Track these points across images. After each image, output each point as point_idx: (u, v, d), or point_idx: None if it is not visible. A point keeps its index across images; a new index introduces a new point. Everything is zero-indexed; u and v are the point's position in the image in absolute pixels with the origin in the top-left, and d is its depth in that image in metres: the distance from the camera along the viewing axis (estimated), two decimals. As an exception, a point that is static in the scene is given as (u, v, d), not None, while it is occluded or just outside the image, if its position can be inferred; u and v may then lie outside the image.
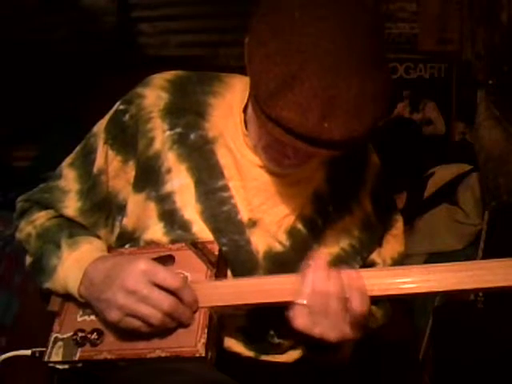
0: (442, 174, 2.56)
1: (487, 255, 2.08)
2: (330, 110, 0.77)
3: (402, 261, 1.07)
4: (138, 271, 0.86)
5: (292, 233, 0.98)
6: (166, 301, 0.85)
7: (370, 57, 0.80)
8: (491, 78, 2.60)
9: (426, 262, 2.25)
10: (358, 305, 0.82)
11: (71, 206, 1.01)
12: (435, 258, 2.29)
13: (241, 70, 1.03)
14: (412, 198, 2.54)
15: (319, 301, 0.83)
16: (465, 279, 0.83)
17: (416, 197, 2.54)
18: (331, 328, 0.83)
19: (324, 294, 0.82)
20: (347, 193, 1.03)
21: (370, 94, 0.80)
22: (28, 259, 1.02)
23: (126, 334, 0.88)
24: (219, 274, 0.92)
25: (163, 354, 0.86)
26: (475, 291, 0.87)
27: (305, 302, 0.83)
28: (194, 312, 0.88)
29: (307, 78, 0.77)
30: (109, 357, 0.88)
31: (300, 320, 0.83)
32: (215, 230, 0.95)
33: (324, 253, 0.98)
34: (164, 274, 0.86)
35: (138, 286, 0.85)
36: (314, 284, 0.83)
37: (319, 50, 0.78)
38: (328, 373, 1.03)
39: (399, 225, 1.09)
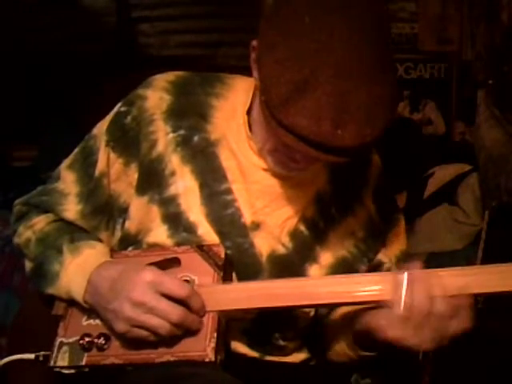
0: (442, 174, 2.56)
1: (487, 255, 2.08)
2: (343, 117, 0.77)
3: (405, 259, 1.07)
4: (145, 282, 0.84)
5: (295, 235, 0.97)
6: (174, 312, 0.84)
7: (379, 61, 0.80)
8: (491, 78, 2.59)
9: (426, 261, 2.25)
10: (466, 323, 0.81)
11: (71, 210, 1.00)
12: (435, 257, 2.29)
13: (241, 70, 1.03)
14: (412, 197, 2.54)
15: (419, 315, 0.80)
16: (471, 283, 0.83)
17: (416, 197, 2.54)
18: (429, 340, 0.81)
19: (425, 311, 0.80)
20: (350, 194, 1.03)
21: (381, 99, 0.79)
22: (28, 264, 1.00)
23: (134, 338, 0.87)
24: (226, 277, 0.92)
25: (172, 359, 0.85)
26: (480, 295, 0.89)
27: (402, 313, 0.81)
28: (202, 316, 0.87)
29: (319, 85, 0.77)
30: (116, 362, 0.87)
31: (394, 331, 0.81)
32: (219, 233, 0.95)
33: (327, 255, 0.98)
34: (171, 284, 0.85)
35: (145, 297, 0.84)
36: (415, 298, 0.80)
37: (330, 55, 0.77)
38: (330, 373, 1.03)
39: (401, 224, 1.09)
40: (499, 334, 1.64)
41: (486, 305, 1.80)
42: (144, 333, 0.85)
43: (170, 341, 0.86)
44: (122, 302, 0.84)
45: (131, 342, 0.87)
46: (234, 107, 0.99)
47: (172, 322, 0.83)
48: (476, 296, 0.84)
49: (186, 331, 0.86)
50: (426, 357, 2.00)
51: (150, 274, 0.85)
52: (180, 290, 0.85)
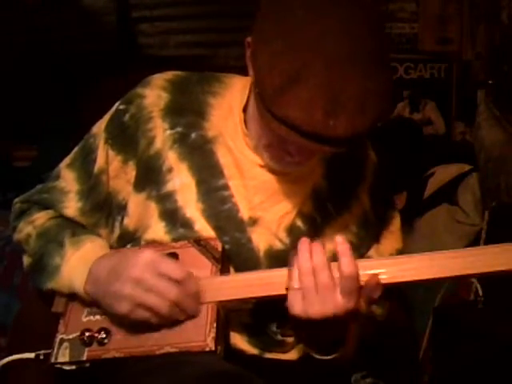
0: (442, 174, 2.55)
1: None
2: (335, 107, 0.79)
3: None
4: (144, 261, 0.87)
5: (292, 230, 0.98)
6: (172, 290, 0.86)
7: (372, 54, 0.81)
8: (491, 78, 2.60)
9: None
10: (345, 267, 0.83)
11: (71, 207, 1.01)
12: (435, 258, 2.28)
13: (240, 70, 1.03)
14: (412, 197, 2.54)
15: (307, 280, 0.84)
16: (467, 265, 0.85)
17: (416, 197, 2.53)
18: (325, 303, 0.83)
19: (310, 271, 0.84)
20: (346, 190, 1.04)
21: (373, 91, 0.81)
22: (27, 260, 1.01)
23: (134, 331, 0.88)
24: (223, 270, 0.93)
25: (172, 350, 0.86)
26: (477, 276, 0.93)
27: (296, 286, 0.84)
28: (200, 304, 0.89)
29: (312, 76, 0.78)
30: (117, 355, 0.88)
31: (296, 307, 0.84)
32: (217, 229, 0.96)
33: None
34: (169, 264, 0.88)
35: (144, 275, 0.86)
36: (299, 266, 0.84)
37: (323, 47, 0.79)
38: (330, 372, 1.03)
39: (396, 221, 1.10)
40: (499, 334, 1.64)
41: (486, 304, 1.81)
42: (145, 313, 0.86)
43: (170, 332, 0.87)
44: (123, 282, 0.87)
45: (131, 334, 0.88)
46: (230, 105, 1.00)
47: (170, 299, 0.85)
48: (472, 277, 0.86)
49: (185, 321, 0.87)
50: (426, 357, 2.01)
51: (148, 254, 0.88)
52: (177, 271, 0.87)
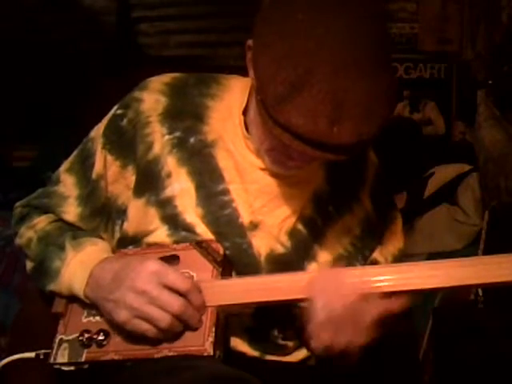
0: (442, 174, 2.56)
1: (487, 255, 2.08)
2: (339, 115, 0.77)
3: (401, 257, 1.07)
4: (148, 272, 0.85)
5: (293, 234, 0.98)
6: (175, 303, 0.84)
7: (376, 58, 0.80)
8: (491, 78, 2.60)
9: (426, 262, 2.24)
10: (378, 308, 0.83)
11: (71, 212, 1.00)
12: (435, 258, 2.27)
13: (240, 70, 1.03)
14: (412, 197, 2.54)
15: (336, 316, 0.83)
16: (471, 274, 0.84)
17: (416, 197, 2.53)
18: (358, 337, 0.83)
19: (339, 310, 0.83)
20: (347, 192, 1.03)
21: (377, 96, 0.80)
22: (29, 264, 1.01)
23: (133, 334, 0.87)
24: (225, 273, 0.92)
25: (171, 354, 0.86)
26: (480, 286, 0.91)
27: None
28: (202, 314, 0.88)
29: (316, 83, 0.77)
30: (115, 357, 0.88)
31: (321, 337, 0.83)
32: (217, 234, 0.95)
33: (324, 253, 0.99)
34: (174, 276, 0.86)
35: (148, 286, 0.84)
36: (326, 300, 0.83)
37: (326, 52, 0.78)
38: (330, 373, 1.03)
39: (398, 222, 1.09)
40: (499, 334, 1.64)
41: (486, 304, 1.81)
42: (144, 325, 0.85)
43: (168, 336, 0.86)
44: (125, 291, 0.85)
45: (130, 337, 0.88)
46: (229, 107, 0.99)
47: (172, 312, 0.84)
48: (475, 288, 0.86)
49: (185, 327, 0.86)
50: (426, 357, 2.01)
51: (154, 265, 0.86)
52: (182, 284, 0.86)
